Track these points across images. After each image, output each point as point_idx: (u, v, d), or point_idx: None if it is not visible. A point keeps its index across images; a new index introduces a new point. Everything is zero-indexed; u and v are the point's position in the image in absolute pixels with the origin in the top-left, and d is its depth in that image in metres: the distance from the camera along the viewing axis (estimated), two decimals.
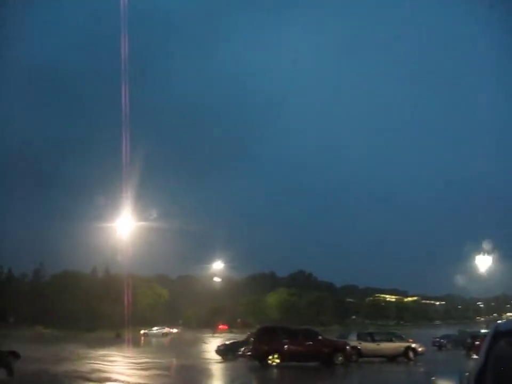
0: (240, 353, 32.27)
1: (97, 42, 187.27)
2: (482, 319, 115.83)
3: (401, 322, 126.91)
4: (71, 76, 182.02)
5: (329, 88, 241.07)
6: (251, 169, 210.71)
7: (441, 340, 47.61)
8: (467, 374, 4.40)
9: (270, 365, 27.19)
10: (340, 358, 28.69)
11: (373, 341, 33.27)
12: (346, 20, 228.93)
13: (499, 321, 5.19)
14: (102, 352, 38.49)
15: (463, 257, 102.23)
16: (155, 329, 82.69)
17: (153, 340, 68.53)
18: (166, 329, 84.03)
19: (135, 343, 50.27)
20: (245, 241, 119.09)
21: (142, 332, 78.76)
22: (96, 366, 25.94)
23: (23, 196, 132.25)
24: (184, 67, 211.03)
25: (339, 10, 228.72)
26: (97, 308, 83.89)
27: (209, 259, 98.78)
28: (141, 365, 28.05)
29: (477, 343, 30.99)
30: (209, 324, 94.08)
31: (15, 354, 20.39)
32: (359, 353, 31.37)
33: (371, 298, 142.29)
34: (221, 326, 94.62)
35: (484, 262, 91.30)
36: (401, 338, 36.06)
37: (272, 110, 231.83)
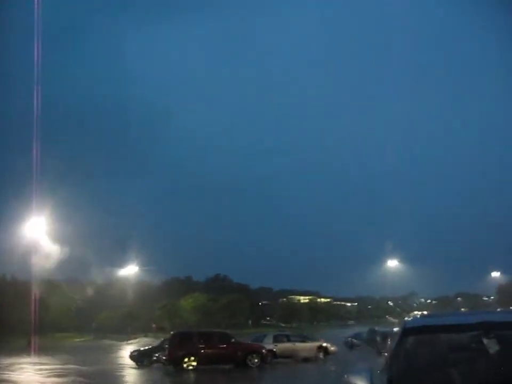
0: (155, 358, 32.01)
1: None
2: (391, 317, 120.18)
3: (315, 323, 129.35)
4: None
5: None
6: (164, 175, 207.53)
7: (352, 339, 48.85)
8: (378, 371, 4.59)
9: (186, 369, 27.07)
10: (255, 360, 29.06)
11: (288, 342, 33.86)
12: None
13: (407, 319, 5.45)
14: (11, 360, 36.57)
15: (373, 259, 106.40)
16: None
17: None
18: None
19: (46, 350, 48.29)
20: (159, 246, 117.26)
21: None
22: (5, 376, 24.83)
23: None
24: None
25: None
26: (5, 314, 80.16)
27: (123, 263, 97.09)
28: (54, 371, 27.13)
29: (389, 341, 31.95)
30: (123, 329, 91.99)
31: None
32: (274, 354, 31.78)
33: (285, 299, 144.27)
34: None
35: (391, 264, 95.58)
36: (314, 339, 36.95)
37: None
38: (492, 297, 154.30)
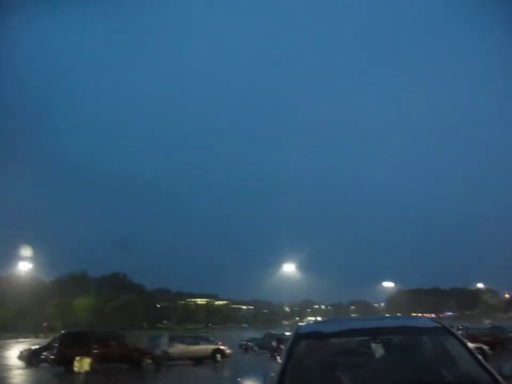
0: (43, 357, 30.80)
1: None
2: (287, 322, 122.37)
3: (210, 325, 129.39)
4: None
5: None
6: (62, 168, 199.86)
7: (248, 343, 49.27)
8: (272, 374, 4.64)
9: (74, 371, 26.17)
10: (148, 361, 28.68)
11: (183, 344, 33.70)
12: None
13: (299, 324, 5.57)
14: None
15: (271, 266, 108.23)
16: None
17: None
18: None
19: None
20: (53, 241, 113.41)
21: None
22: None
23: None
24: None
25: None
26: None
27: (15, 259, 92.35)
28: None
29: (282, 346, 32.44)
30: (13, 328, 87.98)
31: None
32: (169, 356, 31.51)
33: (182, 302, 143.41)
34: None
35: (288, 271, 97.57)
36: (209, 341, 36.94)
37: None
38: (382, 304, 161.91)
